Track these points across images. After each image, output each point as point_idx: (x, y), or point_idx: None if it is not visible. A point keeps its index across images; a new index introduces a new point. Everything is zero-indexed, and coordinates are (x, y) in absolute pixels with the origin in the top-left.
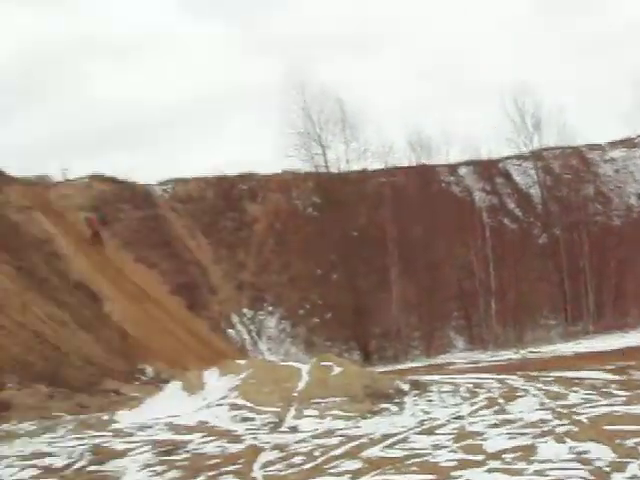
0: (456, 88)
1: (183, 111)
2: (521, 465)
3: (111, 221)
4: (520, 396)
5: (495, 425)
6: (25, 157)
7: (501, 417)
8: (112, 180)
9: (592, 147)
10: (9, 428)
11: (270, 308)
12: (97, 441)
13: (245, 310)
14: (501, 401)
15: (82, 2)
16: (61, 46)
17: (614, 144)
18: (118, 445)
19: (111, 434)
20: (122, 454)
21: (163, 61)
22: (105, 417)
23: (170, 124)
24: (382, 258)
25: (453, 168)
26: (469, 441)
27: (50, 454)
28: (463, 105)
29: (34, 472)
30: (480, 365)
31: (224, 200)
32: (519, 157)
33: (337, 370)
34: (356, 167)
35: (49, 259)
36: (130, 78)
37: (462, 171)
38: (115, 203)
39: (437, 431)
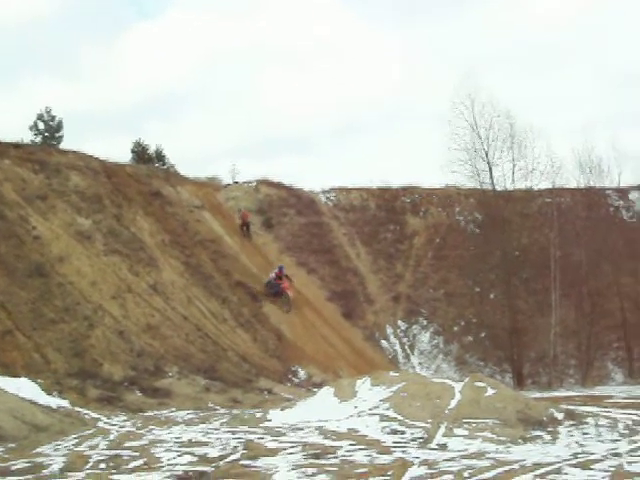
0: (637, 107)
1: (350, 120)
2: None
3: (275, 225)
4: None
5: None
6: (198, 159)
7: None
8: (279, 185)
9: None
10: (168, 414)
11: (424, 322)
12: (250, 437)
13: (399, 322)
14: None
15: (259, 12)
16: (239, 55)
17: None
18: (269, 443)
19: (263, 431)
20: (273, 452)
21: (334, 69)
22: (258, 414)
23: (338, 133)
24: (543, 280)
25: (623, 192)
26: None
27: (206, 444)
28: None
29: (190, 459)
30: None
31: (386, 211)
32: None
33: (490, 392)
34: (522, 186)
35: (215, 257)
36: (301, 86)
37: (633, 195)
38: (280, 207)
39: (592, 466)
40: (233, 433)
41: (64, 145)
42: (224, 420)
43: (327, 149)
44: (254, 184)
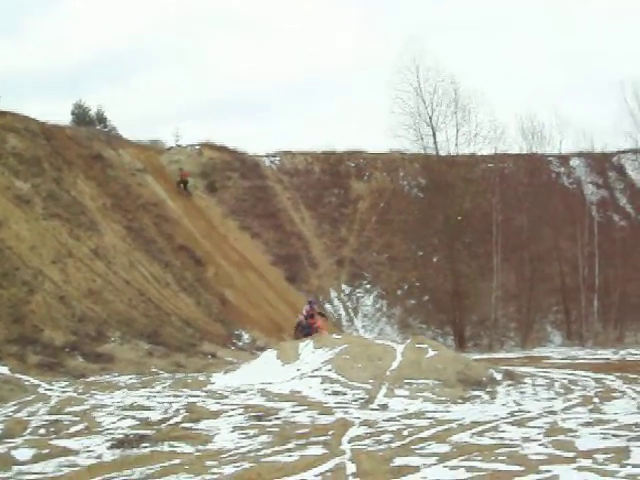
0: (577, 77)
1: (296, 85)
2: (613, 467)
3: (219, 188)
4: (616, 397)
5: (588, 424)
6: (142, 122)
7: (595, 416)
8: (222, 148)
9: None
10: (111, 379)
11: (368, 286)
12: (192, 400)
13: (343, 286)
14: (596, 400)
15: None
16: (188, 17)
17: None
18: (212, 406)
19: (205, 394)
20: (215, 415)
21: (283, 34)
22: (201, 378)
23: (282, 97)
24: (485, 245)
25: (565, 159)
26: (560, 437)
27: (148, 408)
28: (581, 95)
29: (132, 422)
30: (577, 362)
31: (330, 175)
32: (635, 151)
33: (431, 353)
34: (465, 151)
35: (157, 221)
36: (251, 50)
37: (574, 162)
38: (224, 171)
39: (528, 424)
40: (175, 397)
41: (1, 106)
42: (167, 384)
43: (273, 113)
44: (197, 147)
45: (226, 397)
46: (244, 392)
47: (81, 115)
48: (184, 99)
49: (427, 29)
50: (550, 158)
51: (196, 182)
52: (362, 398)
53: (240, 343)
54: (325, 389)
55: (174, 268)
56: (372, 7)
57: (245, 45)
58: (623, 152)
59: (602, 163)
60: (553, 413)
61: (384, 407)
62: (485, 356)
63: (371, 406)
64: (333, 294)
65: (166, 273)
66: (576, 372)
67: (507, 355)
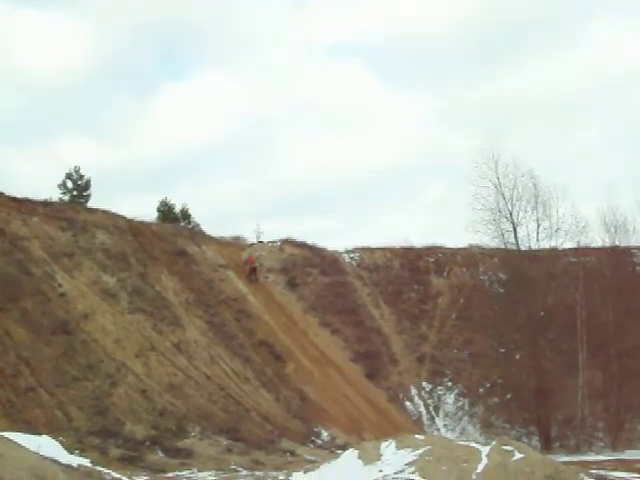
0: None
1: (374, 181)
2: None
3: (299, 284)
4: None
5: None
6: (224, 219)
7: None
8: (302, 245)
9: None
10: (190, 475)
11: (449, 384)
12: None
13: (424, 384)
14: None
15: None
16: (260, 115)
17: None
18: None
19: None
20: None
21: (357, 131)
22: (281, 477)
23: (361, 194)
24: (569, 341)
25: None
26: None
27: None
28: None
29: None
30: None
31: (409, 271)
32: None
33: (518, 455)
34: (546, 246)
35: (238, 317)
36: (330, 147)
37: None
38: (304, 267)
39: None
40: None
41: (92, 203)
42: None
43: (349, 210)
44: (278, 243)
45: None
46: None
47: (166, 212)
48: (265, 195)
49: (498, 122)
50: (634, 250)
51: (277, 278)
52: None
53: (319, 441)
54: None
55: (254, 363)
56: (438, 102)
57: (315, 142)
58: None
59: None
60: None
61: None
62: (573, 459)
63: None
64: (414, 391)
65: (246, 368)
66: None
67: (597, 457)
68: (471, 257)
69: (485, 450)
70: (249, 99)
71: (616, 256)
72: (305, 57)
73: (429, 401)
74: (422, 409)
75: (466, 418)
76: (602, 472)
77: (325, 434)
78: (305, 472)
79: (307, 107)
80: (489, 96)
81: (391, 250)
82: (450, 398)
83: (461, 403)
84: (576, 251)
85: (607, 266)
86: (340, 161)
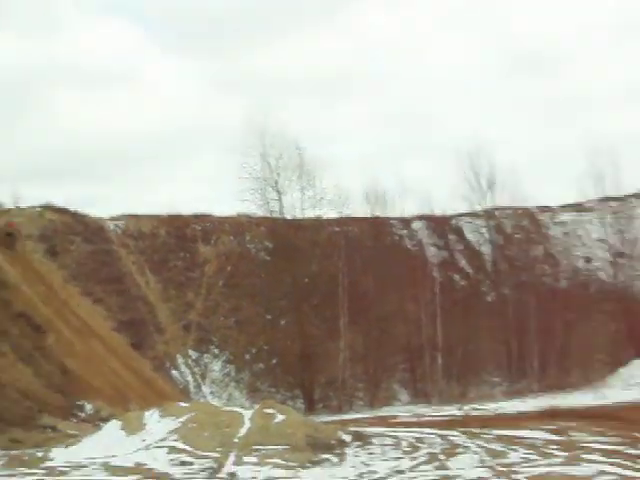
0: (418, 140)
1: (141, 147)
2: None
3: (60, 252)
4: (461, 453)
5: None
6: None
7: (441, 473)
8: (64, 211)
9: (543, 209)
10: None
11: (216, 351)
12: (27, 479)
13: (190, 352)
14: (442, 457)
15: (55, 33)
16: (30, 73)
17: (564, 207)
18: None
19: (43, 472)
20: None
21: (129, 94)
22: (39, 454)
23: (126, 159)
24: (332, 307)
25: (407, 222)
26: None
27: None
28: (421, 159)
29: None
30: (423, 419)
31: (176, 239)
32: (472, 215)
33: (280, 418)
34: (311, 215)
35: None
36: (95, 109)
37: (415, 225)
38: (66, 235)
39: None
40: (9, 476)
41: None
42: (1, 462)
43: (117, 175)
44: (38, 209)
45: (66, 474)
46: (86, 467)
47: None
48: (24, 157)
49: (269, 91)
50: (393, 221)
51: (36, 246)
52: (210, 467)
53: (83, 415)
54: (171, 460)
55: (12, 336)
56: (215, 71)
57: (91, 104)
58: (460, 215)
59: (442, 225)
60: (400, 472)
61: (232, 476)
62: (335, 418)
63: (219, 475)
64: (180, 360)
65: (2, 342)
66: (422, 430)
67: (356, 416)
68: (239, 225)
69: (248, 414)
70: (9, 54)
71: (376, 226)
72: (74, 15)
73: (196, 369)
74: (189, 377)
75: (233, 384)
76: (359, 429)
77: (89, 407)
78: (67, 447)
79: (73, 67)
80: (263, 64)
81: (158, 218)
82: (217, 365)
83: (228, 370)
84: (339, 221)
85: (368, 236)
86: (109, 126)
